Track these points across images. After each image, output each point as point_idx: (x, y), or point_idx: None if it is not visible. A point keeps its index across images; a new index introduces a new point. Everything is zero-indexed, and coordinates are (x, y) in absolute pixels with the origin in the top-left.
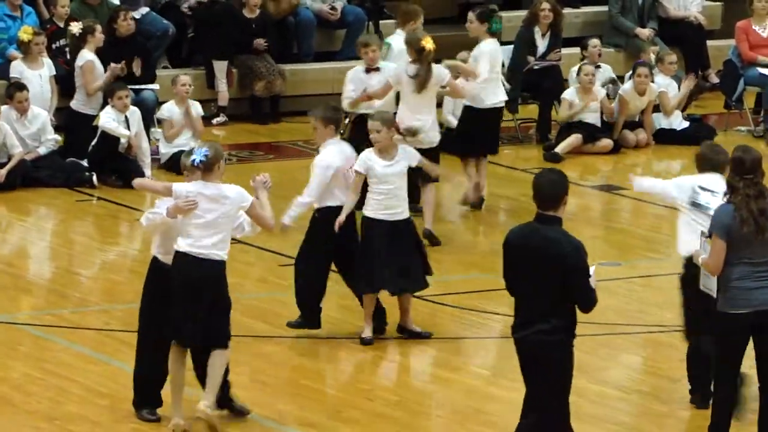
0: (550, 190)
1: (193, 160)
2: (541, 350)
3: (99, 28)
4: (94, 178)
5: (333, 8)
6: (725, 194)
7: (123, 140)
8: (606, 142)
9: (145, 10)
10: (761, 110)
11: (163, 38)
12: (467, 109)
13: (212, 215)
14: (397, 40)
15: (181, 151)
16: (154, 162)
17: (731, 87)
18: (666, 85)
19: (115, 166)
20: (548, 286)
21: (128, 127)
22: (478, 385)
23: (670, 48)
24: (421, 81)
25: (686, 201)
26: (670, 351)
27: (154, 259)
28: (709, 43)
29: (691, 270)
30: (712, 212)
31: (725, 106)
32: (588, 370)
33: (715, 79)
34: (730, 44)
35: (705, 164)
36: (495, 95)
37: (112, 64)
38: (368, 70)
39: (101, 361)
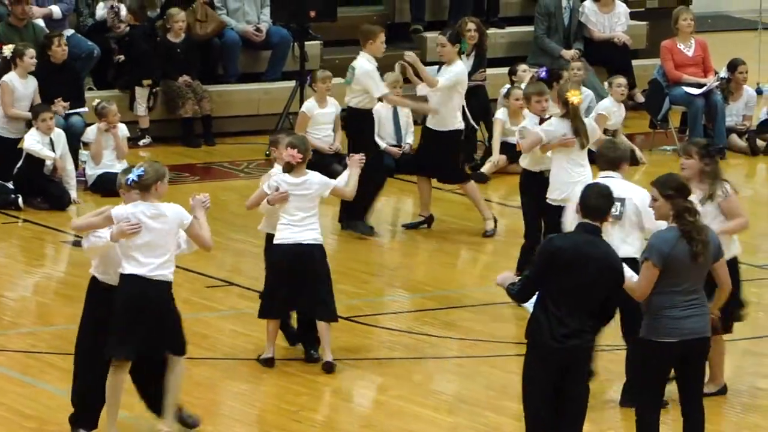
0: (595, 202)
1: (128, 179)
2: (586, 358)
3: (30, 52)
4: (20, 200)
5: (258, 29)
6: (674, 218)
7: (48, 162)
8: None
9: (70, 32)
10: (686, 129)
11: (87, 60)
12: (427, 130)
13: (153, 235)
14: (361, 62)
15: (107, 173)
16: (80, 184)
17: (656, 106)
18: (612, 111)
19: (41, 188)
20: (599, 295)
21: (53, 150)
22: (407, 405)
23: (596, 68)
24: (583, 136)
25: None
26: None
27: (93, 279)
28: (635, 62)
29: None
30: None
31: (651, 126)
32: None
33: (640, 99)
34: (656, 64)
35: (603, 162)
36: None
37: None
38: (541, 121)
39: (27, 383)
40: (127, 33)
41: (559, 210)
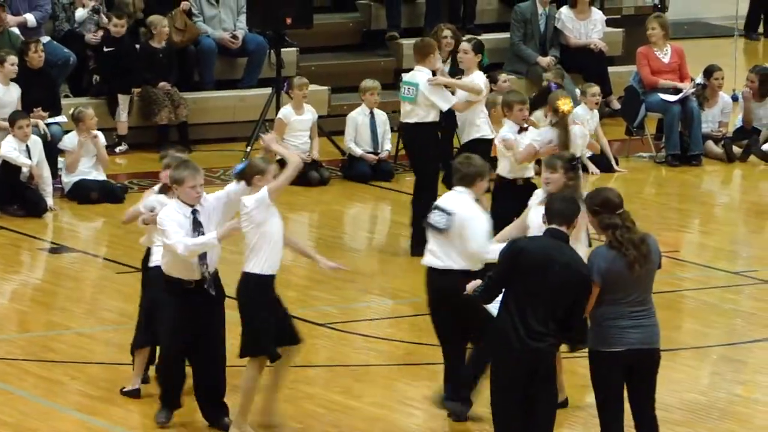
0: (559, 206)
1: (233, 171)
2: (549, 361)
3: (11, 59)
4: None
5: (234, 36)
6: (609, 235)
7: (25, 169)
8: None
9: (46, 39)
10: (662, 136)
11: (64, 67)
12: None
13: (244, 227)
14: (422, 76)
15: (84, 180)
16: (57, 191)
17: (632, 113)
18: (586, 119)
19: (17, 195)
20: (564, 301)
21: (30, 157)
22: (382, 412)
23: (572, 75)
24: (563, 145)
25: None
26: None
27: (157, 269)
28: (611, 69)
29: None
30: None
31: (627, 132)
32: None
33: (616, 105)
34: (632, 70)
35: (457, 177)
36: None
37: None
38: (521, 129)
39: (4, 390)
40: (108, 39)
41: None
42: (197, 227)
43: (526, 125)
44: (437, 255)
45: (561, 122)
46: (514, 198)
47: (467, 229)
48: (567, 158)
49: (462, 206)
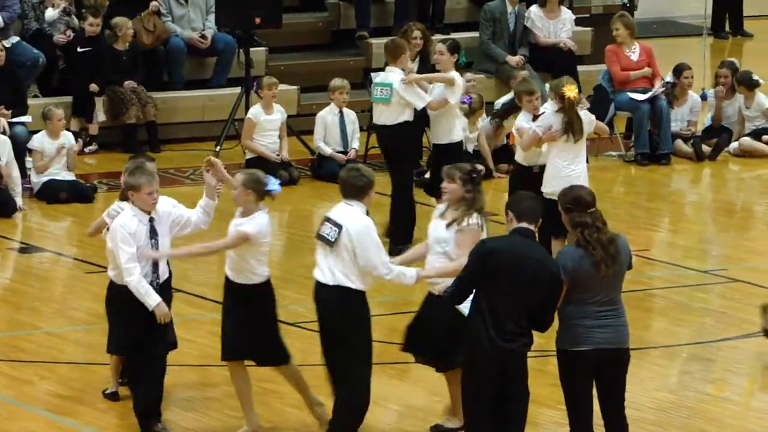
0: (527, 204)
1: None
2: (522, 362)
3: None
4: None
5: (203, 36)
6: (577, 234)
7: None
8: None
9: (15, 39)
10: (632, 135)
11: (33, 67)
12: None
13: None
14: (395, 77)
15: (53, 180)
16: (26, 191)
17: (602, 112)
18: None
19: None
20: (535, 298)
21: None
22: None
23: (541, 74)
24: (576, 131)
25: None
26: None
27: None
28: (580, 68)
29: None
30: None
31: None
32: None
33: (585, 104)
34: (600, 69)
35: (347, 189)
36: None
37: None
38: (535, 118)
39: None
40: (82, 38)
41: (551, 203)
42: (154, 235)
43: (540, 112)
44: (321, 268)
45: (568, 108)
46: (530, 185)
47: (359, 247)
48: (466, 170)
49: (353, 220)
